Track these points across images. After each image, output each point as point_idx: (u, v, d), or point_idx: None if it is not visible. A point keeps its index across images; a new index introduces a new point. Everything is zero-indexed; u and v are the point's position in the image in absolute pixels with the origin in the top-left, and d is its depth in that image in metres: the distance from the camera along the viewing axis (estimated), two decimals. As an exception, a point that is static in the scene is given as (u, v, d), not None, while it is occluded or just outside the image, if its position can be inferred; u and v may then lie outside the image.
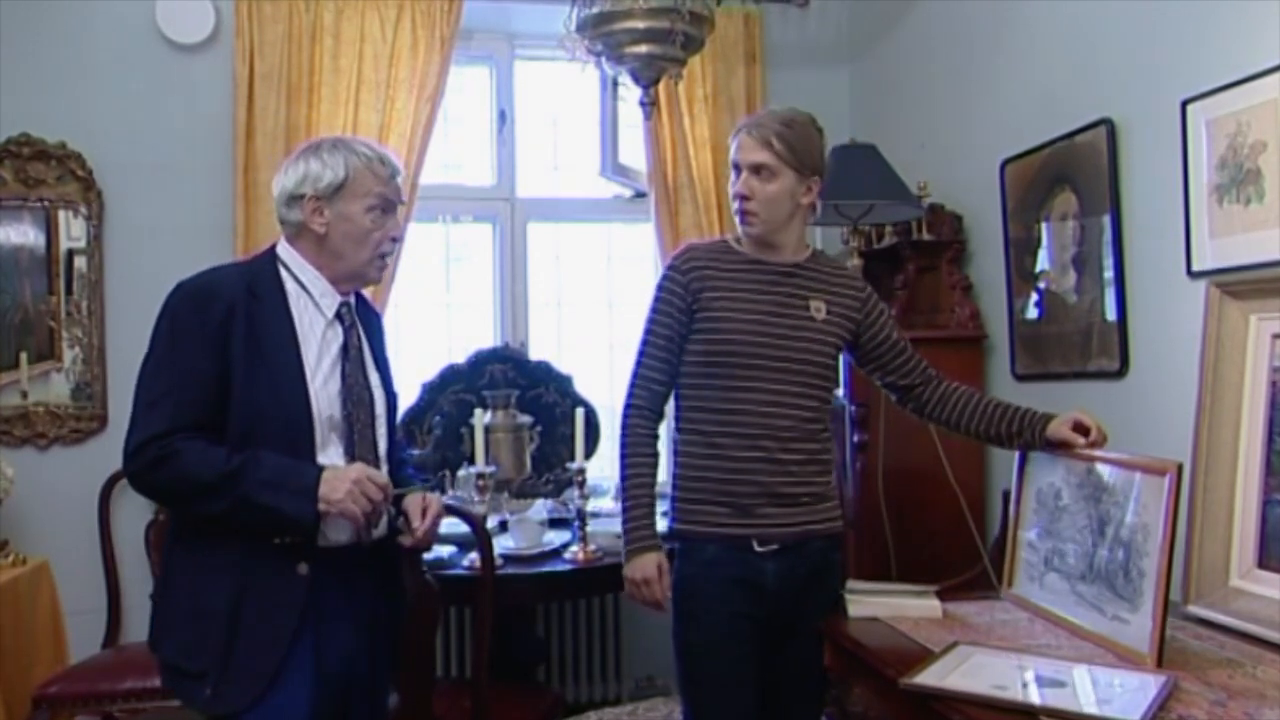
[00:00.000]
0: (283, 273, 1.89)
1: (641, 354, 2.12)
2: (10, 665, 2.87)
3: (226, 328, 1.78)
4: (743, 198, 2.04)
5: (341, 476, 1.77)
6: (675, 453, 2.12)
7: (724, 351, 2.04)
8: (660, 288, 2.12)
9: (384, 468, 1.93)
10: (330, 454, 1.84)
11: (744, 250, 2.12)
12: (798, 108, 2.15)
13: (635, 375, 2.12)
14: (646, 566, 2.04)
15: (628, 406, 2.12)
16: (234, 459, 1.74)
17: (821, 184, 2.10)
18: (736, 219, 2.09)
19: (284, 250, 1.92)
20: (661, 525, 2.14)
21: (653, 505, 2.09)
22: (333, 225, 1.87)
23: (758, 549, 2.02)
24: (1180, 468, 1.79)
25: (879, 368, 2.20)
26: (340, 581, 1.85)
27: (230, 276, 1.87)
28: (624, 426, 2.12)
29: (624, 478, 2.10)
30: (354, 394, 1.89)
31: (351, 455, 1.86)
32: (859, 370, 2.28)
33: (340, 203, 1.87)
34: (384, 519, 1.90)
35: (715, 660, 2.03)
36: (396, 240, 1.97)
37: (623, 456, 2.11)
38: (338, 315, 1.91)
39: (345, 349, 1.90)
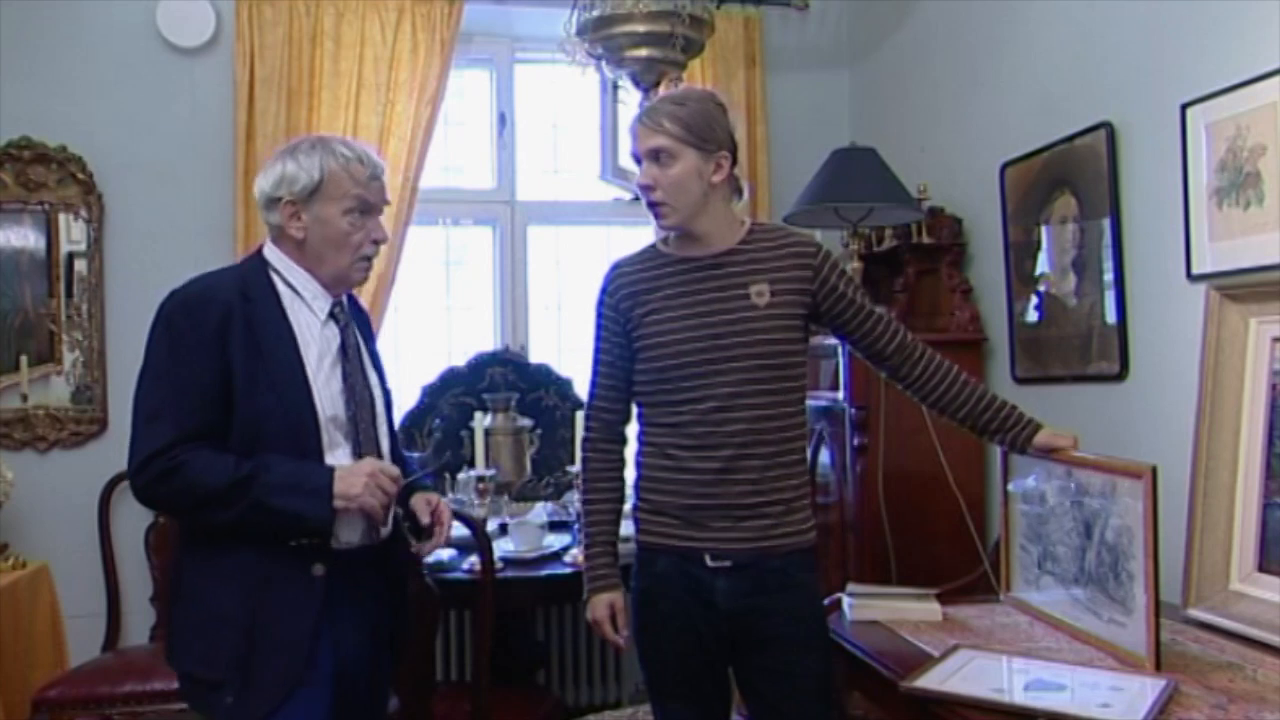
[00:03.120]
0: (273, 275, 1.86)
1: (593, 385, 2.06)
2: (10, 668, 2.87)
3: (224, 333, 1.75)
4: (646, 188, 1.92)
5: (356, 472, 1.77)
6: (637, 464, 2.03)
7: (664, 366, 1.93)
8: (597, 314, 2.04)
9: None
10: (337, 455, 1.83)
11: (671, 251, 1.99)
12: (712, 89, 2.05)
13: (589, 408, 2.06)
14: (598, 608, 1.98)
15: (585, 441, 2.06)
16: (243, 465, 1.72)
17: (734, 160, 1.95)
18: (651, 215, 1.96)
19: (271, 253, 1.89)
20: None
21: (611, 542, 2.02)
22: (310, 229, 1.84)
23: (709, 564, 1.91)
24: (1155, 470, 1.77)
25: (847, 335, 2.04)
26: (350, 583, 1.84)
27: (223, 281, 1.84)
28: (583, 462, 2.07)
29: (584, 515, 2.05)
30: (356, 393, 1.87)
31: (358, 455, 1.85)
32: (851, 350, 2.15)
33: (316, 206, 1.83)
34: (391, 515, 1.89)
35: (670, 671, 1.98)
36: (378, 242, 1.92)
37: (583, 493, 2.06)
38: (331, 315, 1.89)
39: (344, 348, 1.88)
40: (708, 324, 1.91)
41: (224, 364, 1.74)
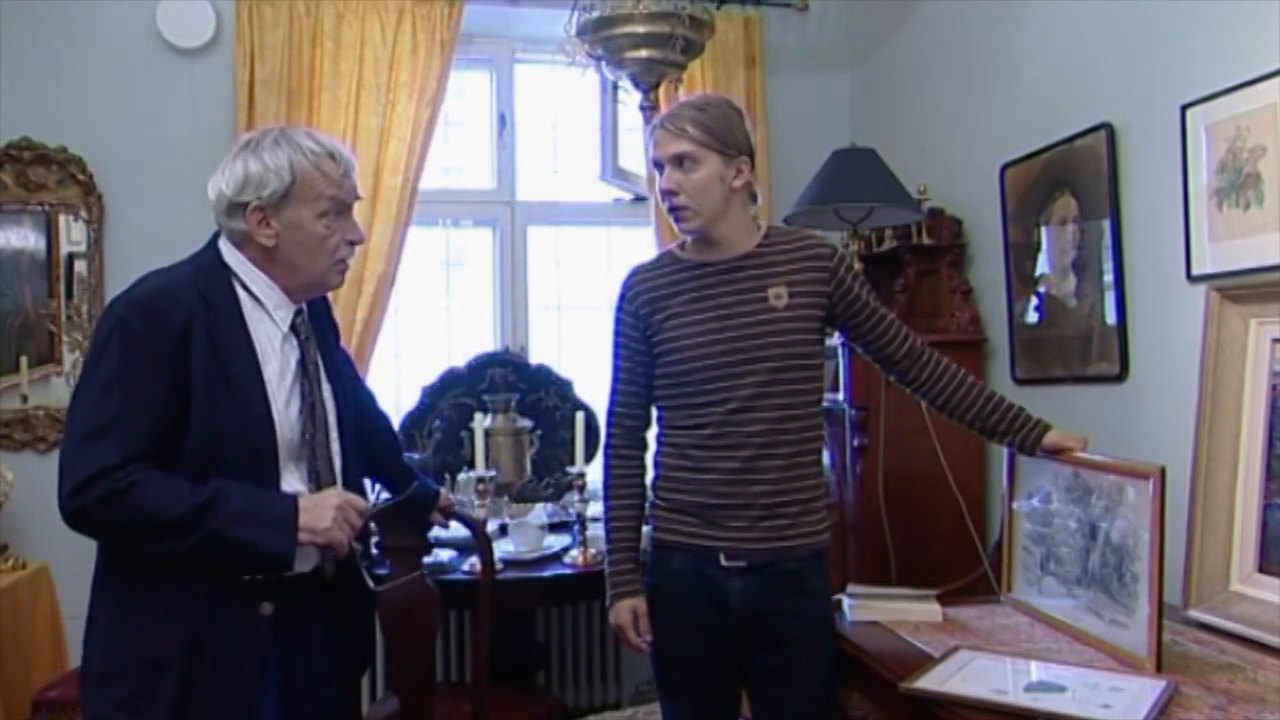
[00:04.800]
0: (234, 281, 1.69)
1: (613, 391, 2.06)
2: (10, 669, 2.87)
3: (185, 343, 1.58)
4: (669, 193, 1.93)
5: (323, 504, 1.64)
6: (656, 465, 2.04)
7: (686, 370, 1.94)
8: (616, 321, 2.06)
9: (339, 485, 1.76)
10: (289, 479, 1.69)
11: (689, 256, 2.01)
12: (727, 95, 2.05)
13: (610, 414, 2.07)
14: (620, 613, 2.00)
15: (607, 448, 2.07)
16: (200, 491, 1.56)
17: (752, 165, 1.97)
18: (671, 220, 1.98)
19: (231, 256, 1.71)
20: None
21: (634, 548, 2.03)
22: (282, 236, 1.68)
23: (724, 563, 1.91)
24: (1163, 471, 1.78)
25: (858, 337, 2.05)
26: (304, 614, 1.71)
27: (182, 283, 1.65)
28: (605, 467, 2.07)
29: (606, 521, 2.05)
30: (315, 414, 1.73)
31: (316, 481, 1.72)
32: (861, 354, 2.16)
33: (288, 210, 1.67)
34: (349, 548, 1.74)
35: (680, 669, 1.99)
36: (354, 243, 1.77)
37: (605, 499, 2.06)
38: (293, 327, 1.74)
39: (303, 365, 1.73)
40: (729, 326, 1.93)
41: (182, 377, 1.58)
